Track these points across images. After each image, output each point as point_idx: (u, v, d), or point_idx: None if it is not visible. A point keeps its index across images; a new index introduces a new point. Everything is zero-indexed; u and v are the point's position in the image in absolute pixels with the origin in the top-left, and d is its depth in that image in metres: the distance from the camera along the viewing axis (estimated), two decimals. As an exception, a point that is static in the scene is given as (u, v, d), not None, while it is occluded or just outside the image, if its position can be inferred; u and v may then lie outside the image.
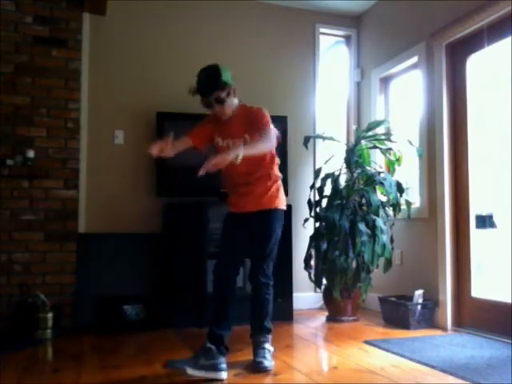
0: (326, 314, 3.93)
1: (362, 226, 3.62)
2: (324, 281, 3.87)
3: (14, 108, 3.53)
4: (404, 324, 3.43)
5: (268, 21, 4.44)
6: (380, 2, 4.38)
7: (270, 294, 2.64)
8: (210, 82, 2.52)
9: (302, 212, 4.04)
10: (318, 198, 3.94)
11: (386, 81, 4.40)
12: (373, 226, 3.63)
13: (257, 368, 2.47)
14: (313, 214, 3.95)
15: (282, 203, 2.72)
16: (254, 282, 2.63)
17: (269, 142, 2.53)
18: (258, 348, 2.58)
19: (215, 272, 2.62)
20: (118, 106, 3.95)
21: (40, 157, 3.54)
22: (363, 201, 3.78)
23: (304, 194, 4.15)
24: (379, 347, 2.90)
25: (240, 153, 2.33)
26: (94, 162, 3.85)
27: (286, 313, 3.81)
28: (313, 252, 3.88)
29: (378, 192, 3.85)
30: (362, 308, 4.12)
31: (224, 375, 2.33)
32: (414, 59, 3.91)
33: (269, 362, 2.50)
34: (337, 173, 3.87)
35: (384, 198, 3.77)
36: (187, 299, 3.61)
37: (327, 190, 3.87)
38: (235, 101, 2.63)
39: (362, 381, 2.32)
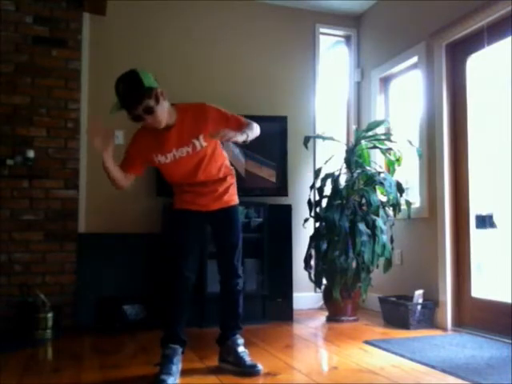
0: (326, 314, 3.93)
1: (362, 226, 3.62)
2: (324, 281, 3.87)
3: (13, 108, 3.53)
4: (404, 324, 3.43)
5: (268, 21, 4.44)
6: (380, 1, 4.38)
7: (241, 290, 2.57)
8: (133, 91, 2.17)
9: (302, 212, 4.04)
10: (318, 198, 3.94)
11: (385, 81, 4.40)
12: (373, 226, 3.63)
13: (251, 373, 2.36)
14: (313, 213, 3.95)
15: (237, 199, 2.60)
16: (230, 279, 2.54)
17: (256, 127, 2.34)
18: (238, 351, 2.46)
19: (175, 273, 2.44)
20: (118, 106, 3.94)
21: (40, 157, 3.55)
22: (363, 201, 3.78)
23: (304, 193, 4.15)
24: (379, 347, 2.90)
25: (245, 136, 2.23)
26: (94, 162, 3.83)
27: (285, 313, 3.81)
28: (313, 252, 3.88)
29: (378, 192, 3.84)
30: (362, 308, 4.12)
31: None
32: (414, 59, 3.91)
33: (258, 364, 2.42)
34: (337, 173, 3.86)
35: (384, 198, 3.77)
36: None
37: (327, 190, 3.87)
38: (166, 104, 2.28)
39: (362, 381, 2.32)
